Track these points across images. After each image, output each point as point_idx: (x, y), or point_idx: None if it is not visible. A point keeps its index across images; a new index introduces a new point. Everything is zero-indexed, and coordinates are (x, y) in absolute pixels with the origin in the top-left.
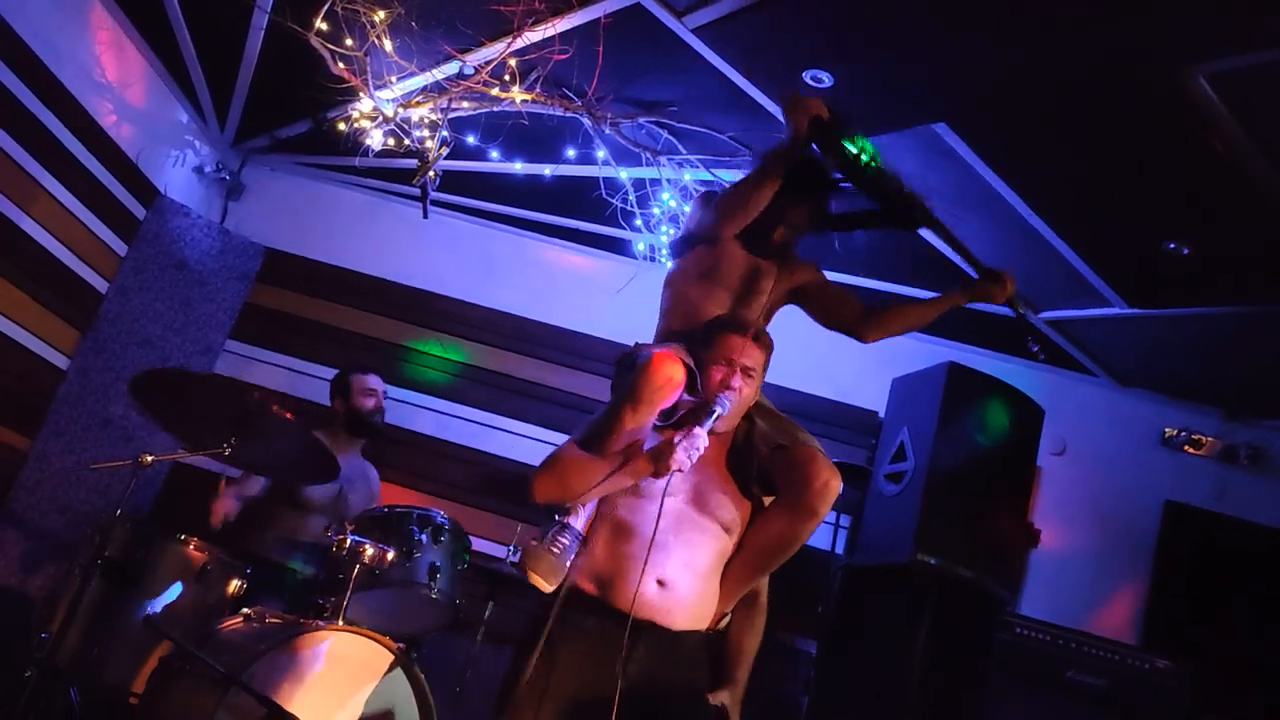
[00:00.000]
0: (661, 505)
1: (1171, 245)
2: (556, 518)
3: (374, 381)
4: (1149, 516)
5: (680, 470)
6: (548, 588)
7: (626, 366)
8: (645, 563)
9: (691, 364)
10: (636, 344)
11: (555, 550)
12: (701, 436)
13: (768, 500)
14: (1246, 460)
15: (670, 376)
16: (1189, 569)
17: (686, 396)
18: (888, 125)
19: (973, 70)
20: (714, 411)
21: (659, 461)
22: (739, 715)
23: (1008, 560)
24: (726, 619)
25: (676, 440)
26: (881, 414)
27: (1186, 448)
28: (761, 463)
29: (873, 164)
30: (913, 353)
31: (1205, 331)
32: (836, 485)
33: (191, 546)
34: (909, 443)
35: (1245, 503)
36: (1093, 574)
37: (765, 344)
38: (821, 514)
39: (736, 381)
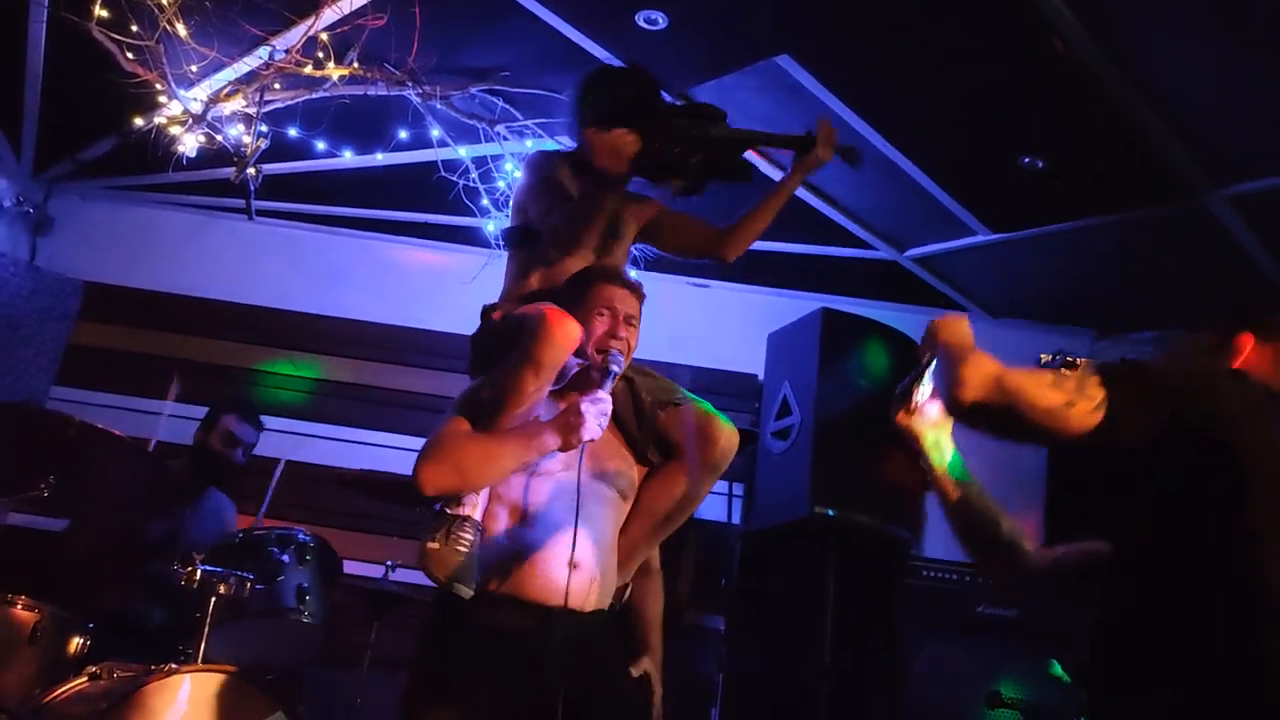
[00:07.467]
0: (579, 480)
1: (1026, 160)
2: (447, 511)
3: (240, 429)
4: None
5: (593, 439)
6: (469, 593)
7: (511, 331)
8: (573, 544)
9: None
10: (487, 308)
11: (461, 548)
12: (607, 399)
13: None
14: None
15: (570, 333)
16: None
17: (573, 358)
18: (730, 63)
19: None
20: (611, 370)
21: (570, 432)
22: (660, 681)
23: (905, 502)
24: (628, 591)
25: (583, 406)
26: (761, 376)
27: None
28: (654, 423)
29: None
30: (784, 308)
31: (1068, 249)
32: (736, 439)
33: (19, 606)
34: (792, 396)
35: None
36: None
37: (639, 290)
38: (722, 469)
39: (623, 331)
